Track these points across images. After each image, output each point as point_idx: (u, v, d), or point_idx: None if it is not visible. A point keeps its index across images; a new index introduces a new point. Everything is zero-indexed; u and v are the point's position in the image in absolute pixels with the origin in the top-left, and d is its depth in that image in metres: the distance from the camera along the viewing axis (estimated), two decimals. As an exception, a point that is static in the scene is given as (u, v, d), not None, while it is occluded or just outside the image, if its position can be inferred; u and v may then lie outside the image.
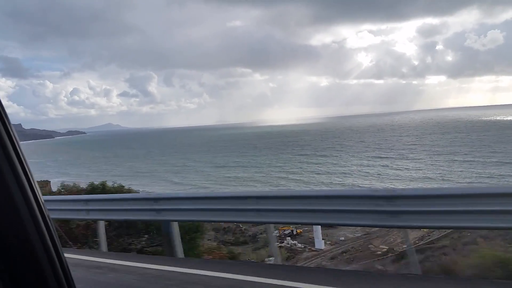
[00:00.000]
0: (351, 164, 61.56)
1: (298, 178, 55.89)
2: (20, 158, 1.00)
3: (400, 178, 48.96)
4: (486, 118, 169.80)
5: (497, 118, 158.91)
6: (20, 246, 1.00)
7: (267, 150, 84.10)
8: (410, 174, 50.95)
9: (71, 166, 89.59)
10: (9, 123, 0.98)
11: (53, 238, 1.04)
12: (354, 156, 68.68)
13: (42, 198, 1.04)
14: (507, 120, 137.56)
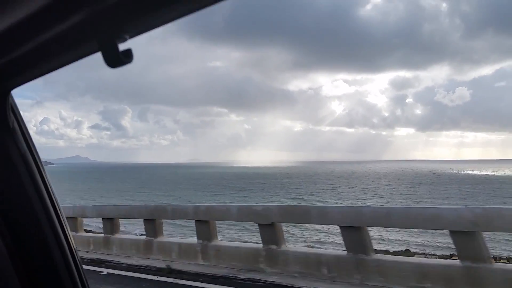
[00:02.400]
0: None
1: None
2: (37, 162, 1.06)
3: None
4: (463, 171, 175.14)
5: (471, 172, 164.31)
6: (40, 250, 1.05)
7: (257, 192, 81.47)
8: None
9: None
10: (28, 132, 1.05)
11: (69, 243, 1.08)
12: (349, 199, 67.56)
13: (58, 201, 1.08)
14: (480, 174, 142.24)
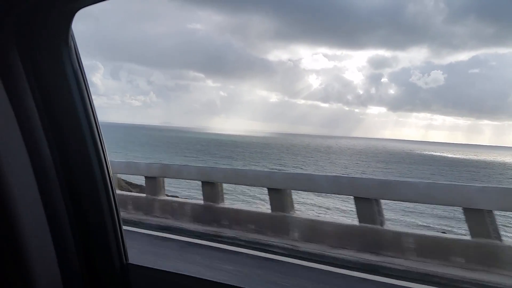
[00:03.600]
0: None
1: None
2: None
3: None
4: (434, 153, 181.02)
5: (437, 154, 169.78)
6: (95, 219, 1.14)
7: (240, 160, 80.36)
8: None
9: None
10: (89, 92, 1.14)
11: (118, 213, 1.19)
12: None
13: (112, 174, 1.18)
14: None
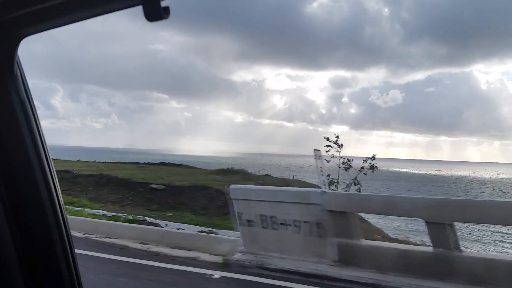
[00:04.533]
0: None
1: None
2: (47, 157, 1.09)
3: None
4: (400, 169, 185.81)
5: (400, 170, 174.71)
6: (43, 245, 1.08)
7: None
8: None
9: None
10: (39, 122, 1.09)
11: (70, 239, 1.12)
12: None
13: (61, 197, 1.12)
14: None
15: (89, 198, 13.78)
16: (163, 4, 0.73)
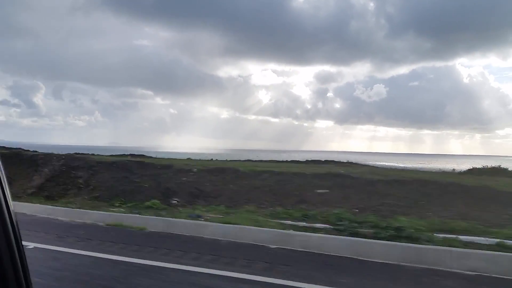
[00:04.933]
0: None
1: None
2: None
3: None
4: (386, 163, 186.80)
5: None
6: None
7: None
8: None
9: None
10: None
11: (16, 232, 1.10)
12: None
13: (8, 190, 1.09)
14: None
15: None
16: None
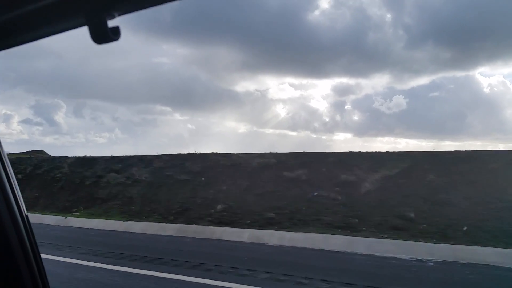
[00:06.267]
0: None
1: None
2: (2, 158, 1.07)
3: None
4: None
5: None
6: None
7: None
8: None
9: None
10: None
11: (31, 239, 1.09)
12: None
13: (21, 198, 1.10)
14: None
15: None
16: (110, 24, 0.68)
